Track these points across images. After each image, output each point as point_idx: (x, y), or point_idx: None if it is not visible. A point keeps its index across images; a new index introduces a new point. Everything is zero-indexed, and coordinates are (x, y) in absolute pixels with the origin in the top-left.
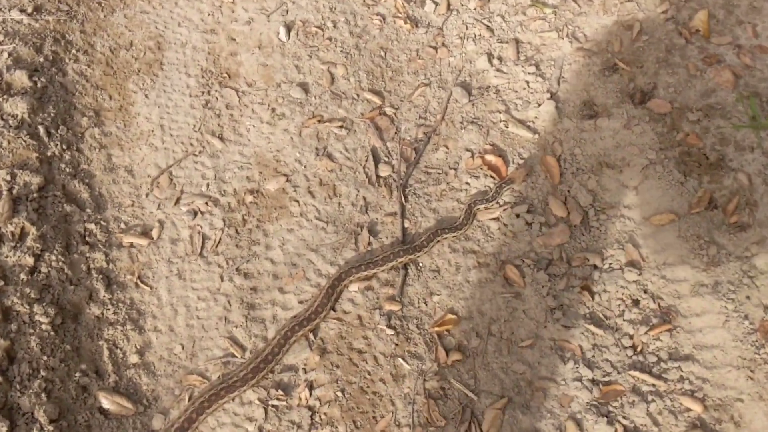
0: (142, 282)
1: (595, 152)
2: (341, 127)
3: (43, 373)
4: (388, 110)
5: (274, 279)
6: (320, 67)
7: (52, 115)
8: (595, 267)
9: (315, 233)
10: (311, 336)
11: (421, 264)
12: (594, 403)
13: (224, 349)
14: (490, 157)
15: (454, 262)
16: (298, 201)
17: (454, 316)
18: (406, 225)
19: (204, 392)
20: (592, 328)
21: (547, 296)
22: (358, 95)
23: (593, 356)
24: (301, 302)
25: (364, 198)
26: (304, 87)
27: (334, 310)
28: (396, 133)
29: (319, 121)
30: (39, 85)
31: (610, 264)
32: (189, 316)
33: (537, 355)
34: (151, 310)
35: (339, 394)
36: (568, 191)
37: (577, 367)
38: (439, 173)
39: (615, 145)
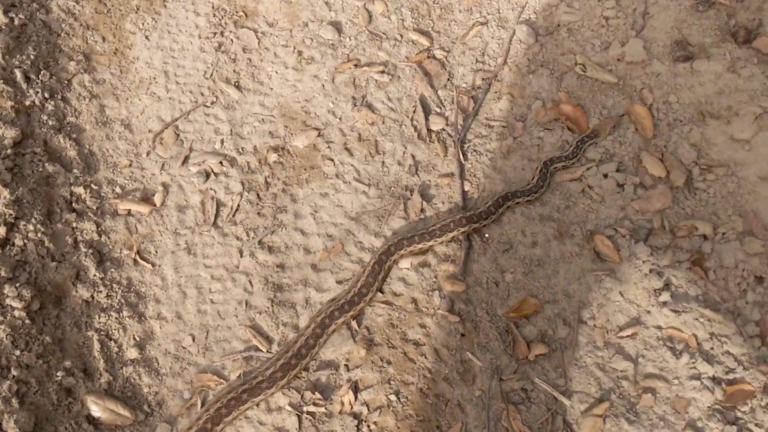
0: (143, 258)
1: (693, 100)
2: (382, 72)
3: (14, 372)
4: (438, 53)
5: (305, 254)
6: (355, 4)
7: (32, 57)
8: (705, 237)
9: (355, 198)
10: (354, 324)
11: (487, 235)
12: (717, 407)
13: (245, 341)
14: (566, 107)
15: (530, 232)
16: (332, 160)
17: (533, 300)
18: (466, 188)
19: (221, 396)
20: (707, 312)
21: (650, 274)
22: (401, 36)
23: (712, 348)
24: (339, 282)
25: (413, 156)
26: (337, 26)
27: (382, 292)
28: (449, 79)
29: (355, 66)
30: (17, 22)
31: (724, 234)
32: (201, 300)
33: (641, 348)
34: (154, 292)
35: (392, 397)
36: (665, 146)
37: (693, 362)
38: (504, 126)
39: (718, 92)
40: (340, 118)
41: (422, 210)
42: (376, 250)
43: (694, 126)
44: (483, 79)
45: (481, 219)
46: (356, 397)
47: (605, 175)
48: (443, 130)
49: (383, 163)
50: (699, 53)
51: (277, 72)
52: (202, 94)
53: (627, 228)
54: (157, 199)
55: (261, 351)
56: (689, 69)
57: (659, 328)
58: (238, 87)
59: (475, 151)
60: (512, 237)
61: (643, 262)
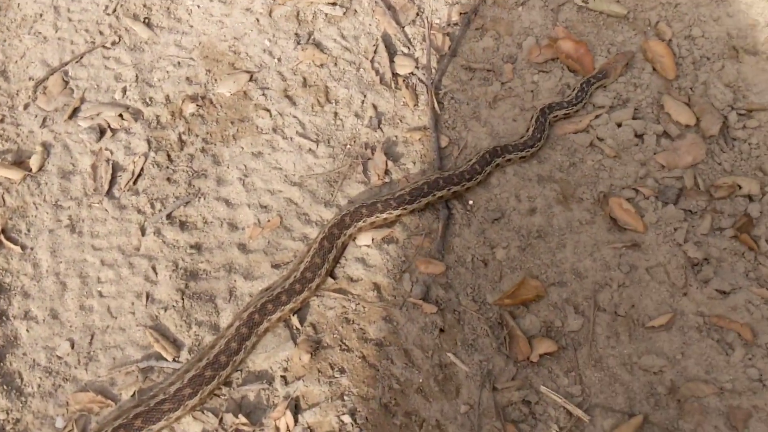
0: (8, 238)
1: (722, 34)
2: (334, 4)
3: None
4: None
5: (230, 230)
6: None
7: None
8: (751, 198)
9: (298, 158)
10: (295, 320)
11: (471, 201)
12: None
13: (144, 348)
14: (566, 44)
15: (526, 196)
16: (268, 110)
17: (534, 282)
18: (443, 143)
19: (108, 423)
20: (763, 292)
21: (684, 245)
22: None
23: None
24: (276, 266)
25: (375, 106)
26: None
27: (334, 278)
28: (418, 14)
29: None
30: None
31: None
32: (85, 293)
33: (679, 342)
34: (22, 283)
35: (346, 419)
36: (692, 88)
37: (750, 359)
38: (489, 69)
39: (752, 23)
40: (278, 59)
41: (387, 172)
42: (326, 223)
43: (726, 62)
44: (461, 13)
45: (463, 180)
46: (296, 420)
47: (619, 124)
48: (412, 74)
49: (336, 114)
50: None
51: (199, 5)
52: (101, 32)
53: (651, 188)
54: (34, 162)
55: (165, 360)
56: None
57: (701, 314)
58: (148, 24)
59: (453, 99)
60: (503, 203)
61: (675, 230)
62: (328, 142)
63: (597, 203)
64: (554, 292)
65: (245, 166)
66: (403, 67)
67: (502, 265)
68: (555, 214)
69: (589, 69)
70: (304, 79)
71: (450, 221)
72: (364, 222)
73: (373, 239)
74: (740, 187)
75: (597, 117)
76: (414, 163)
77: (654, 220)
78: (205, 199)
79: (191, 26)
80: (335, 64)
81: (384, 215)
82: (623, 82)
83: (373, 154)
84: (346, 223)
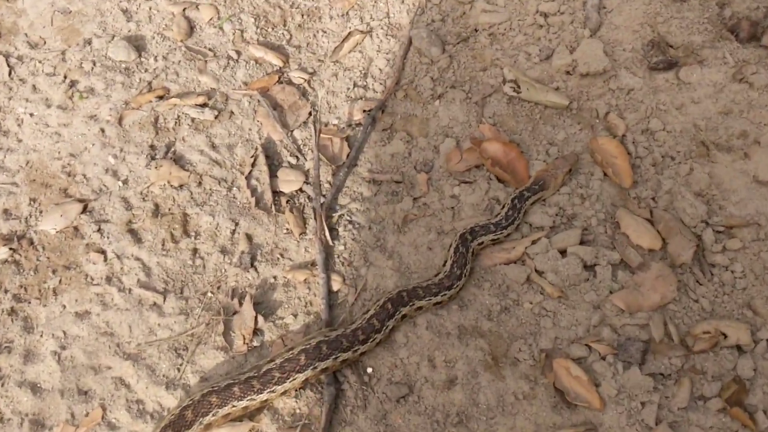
0: None
1: (688, 125)
2: (203, 105)
3: None
4: (296, 76)
5: (35, 430)
6: (168, 10)
7: None
8: (741, 349)
9: (137, 318)
10: None
11: (370, 369)
12: None
13: None
14: (493, 146)
15: (443, 359)
16: (103, 252)
17: None
18: (335, 286)
19: None
20: None
21: (658, 428)
22: (238, 53)
23: None
24: None
25: (249, 237)
26: (137, 42)
27: None
28: (311, 114)
29: (160, 98)
30: None
31: None
32: None
33: None
34: None
35: None
36: (654, 199)
37: None
38: (398, 181)
39: (723, 111)
40: (124, 181)
41: (256, 332)
42: (162, 416)
43: (695, 163)
44: (365, 111)
45: (356, 343)
46: None
47: (563, 252)
48: (300, 191)
49: (195, 251)
50: (686, 57)
51: (32, 114)
52: None
53: (608, 342)
54: None
55: None
56: (675, 81)
57: None
58: None
59: (351, 223)
60: (412, 371)
61: (642, 405)
62: (181, 292)
63: (538, 367)
64: None
65: (65, 332)
66: (289, 183)
67: None
68: (482, 386)
69: (523, 178)
70: (156, 205)
71: (338, 403)
72: (213, 416)
73: None
74: (725, 336)
75: (534, 242)
76: (295, 315)
77: (614, 392)
78: (3, 385)
79: (20, 140)
80: (199, 184)
81: (243, 402)
82: (567, 194)
83: (240, 305)
84: (185, 420)
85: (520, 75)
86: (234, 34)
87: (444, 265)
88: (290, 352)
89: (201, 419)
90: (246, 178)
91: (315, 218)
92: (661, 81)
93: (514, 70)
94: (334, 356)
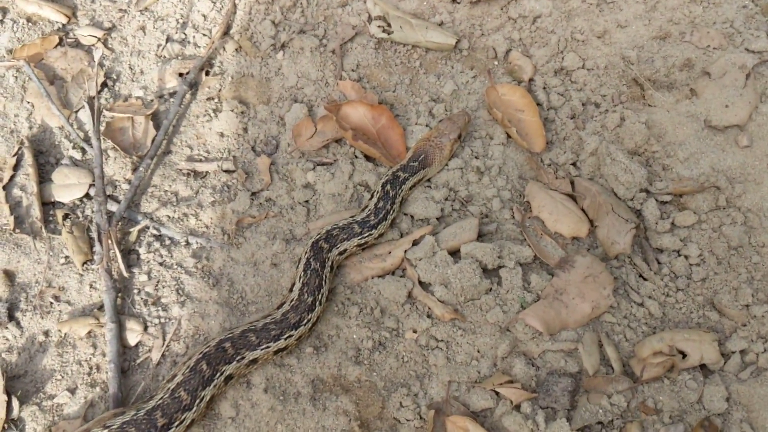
0: None
1: (614, 59)
2: None
3: None
4: (86, 34)
5: None
6: None
7: None
8: (706, 371)
9: None
10: None
11: None
12: None
13: None
14: (356, 110)
15: None
16: None
17: None
18: (130, 340)
19: None
20: None
21: None
22: (3, 11)
23: None
24: None
25: (8, 274)
26: None
27: None
28: (106, 83)
29: None
30: None
31: (746, 354)
32: None
33: None
34: None
35: None
36: (575, 165)
37: None
38: (229, 171)
39: (659, 35)
40: None
41: (11, 423)
42: None
43: (626, 111)
44: (181, 74)
45: (152, 430)
46: None
47: (454, 253)
48: (86, 199)
49: None
50: None
51: None
52: None
53: (522, 381)
54: None
55: None
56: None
57: None
58: None
59: (158, 240)
60: None
61: None
62: None
63: (427, 429)
64: None
65: None
66: (68, 188)
67: None
68: None
69: (399, 152)
70: None
71: None
72: None
73: None
74: (684, 355)
75: (416, 243)
76: (71, 391)
77: None
78: None
79: None
80: None
81: None
82: (458, 168)
83: None
84: None
85: (390, 9)
86: None
87: (291, 289)
88: None
89: None
90: (4, 188)
91: (100, 241)
92: (576, 2)
93: (382, 3)
94: None
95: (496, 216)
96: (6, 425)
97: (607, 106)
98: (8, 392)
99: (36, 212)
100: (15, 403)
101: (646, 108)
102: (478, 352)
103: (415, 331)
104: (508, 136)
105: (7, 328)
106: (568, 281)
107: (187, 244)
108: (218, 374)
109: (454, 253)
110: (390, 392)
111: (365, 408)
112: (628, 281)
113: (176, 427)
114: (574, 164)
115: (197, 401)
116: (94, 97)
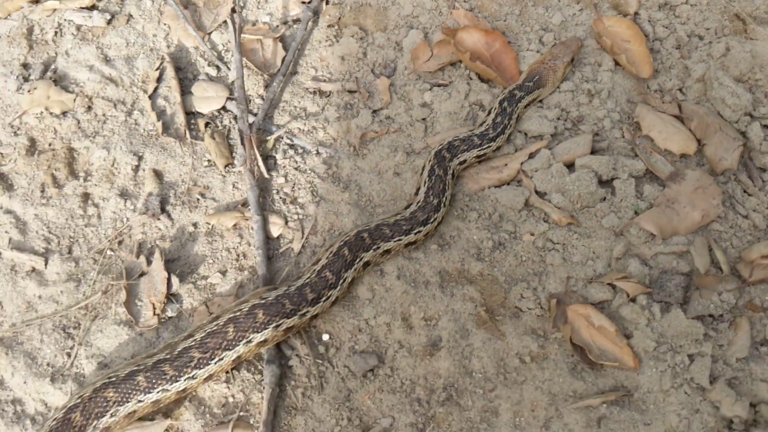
0: None
1: None
2: (91, 8)
3: None
4: None
5: None
6: None
7: None
8: None
9: (9, 291)
10: None
11: (327, 337)
12: None
13: None
14: (471, 36)
15: (420, 317)
16: None
17: None
18: (273, 231)
19: None
20: None
21: (713, 387)
22: None
23: None
24: None
25: (157, 173)
26: None
27: None
28: (234, 9)
29: (33, 2)
30: None
31: None
32: None
33: None
34: None
35: None
36: (681, 90)
37: None
38: (352, 90)
39: None
40: None
41: (171, 298)
42: (45, 418)
43: (731, 41)
44: (303, 1)
45: (304, 303)
46: None
47: (569, 165)
48: (223, 111)
49: (86, 197)
50: None
51: None
52: None
53: (637, 278)
54: None
55: None
56: None
57: None
58: None
59: (291, 148)
60: (382, 335)
61: (690, 358)
62: (69, 252)
63: (547, 317)
64: None
65: None
66: (207, 100)
67: None
68: (475, 349)
69: (513, 74)
70: (32, 140)
71: (285, 384)
72: (113, 416)
73: None
74: None
75: (532, 156)
76: (223, 273)
77: (651, 344)
78: None
79: None
80: (88, 109)
81: (153, 395)
82: (570, 91)
83: (148, 264)
84: (74, 425)
85: None
86: None
87: (416, 192)
88: (215, 323)
89: (95, 422)
90: (150, 98)
91: (243, 144)
92: None
93: None
94: (274, 324)
95: (607, 135)
96: (167, 300)
97: (710, 38)
98: (168, 271)
99: (180, 119)
100: (174, 280)
101: (748, 41)
102: (594, 253)
103: (532, 234)
104: (616, 64)
105: (159, 219)
106: (679, 192)
107: (318, 153)
108: (357, 260)
109: (570, 166)
110: (511, 285)
111: (489, 297)
112: (734, 195)
113: (323, 301)
114: (680, 90)
115: (341, 281)
116: (234, 11)
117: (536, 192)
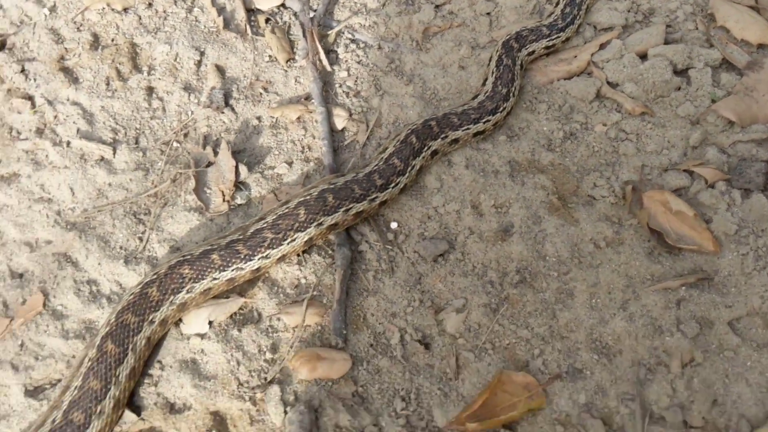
0: None
1: None
2: None
3: None
4: None
5: None
6: None
7: None
8: None
9: (80, 177)
10: None
11: (395, 224)
12: None
13: None
14: None
15: (491, 203)
16: (31, 97)
17: (522, 378)
18: (338, 124)
19: None
20: None
21: None
22: None
23: None
24: (33, 393)
25: (219, 68)
26: None
27: (138, 412)
28: None
29: None
30: None
31: None
32: None
33: None
34: None
35: None
36: None
37: None
38: None
39: None
40: (50, 8)
41: (239, 186)
42: (120, 297)
43: None
44: None
45: (373, 189)
46: None
47: (643, 56)
48: (282, 7)
49: (150, 91)
50: None
51: None
52: None
53: (716, 165)
54: None
55: None
56: None
57: None
58: None
59: (353, 42)
60: (452, 222)
61: None
62: (136, 142)
63: (622, 204)
64: (562, 394)
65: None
66: None
67: (458, 346)
68: (548, 234)
69: None
70: (95, 36)
71: (356, 268)
72: (189, 292)
73: (211, 322)
74: None
75: (603, 47)
76: (289, 163)
77: (732, 228)
78: None
79: None
80: (149, 5)
81: (227, 273)
82: None
83: (215, 154)
84: (151, 300)
85: None
86: None
87: (484, 83)
88: (285, 206)
89: (171, 297)
90: None
91: (305, 38)
92: None
93: None
94: (344, 208)
95: (680, 26)
96: (236, 188)
97: None
98: (236, 160)
99: (240, 15)
100: (242, 168)
101: None
102: (668, 142)
103: (604, 125)
104: None
105: (223, 112)
106: (758, 80)
107: (380, 47)
108: (426, 148)
109: (642, 56)
110: (583, 175)
111: (561, 185)
112: None
113: (392, 188)
114: None
115: (409, 168)
116: None
117: (608, 83)
